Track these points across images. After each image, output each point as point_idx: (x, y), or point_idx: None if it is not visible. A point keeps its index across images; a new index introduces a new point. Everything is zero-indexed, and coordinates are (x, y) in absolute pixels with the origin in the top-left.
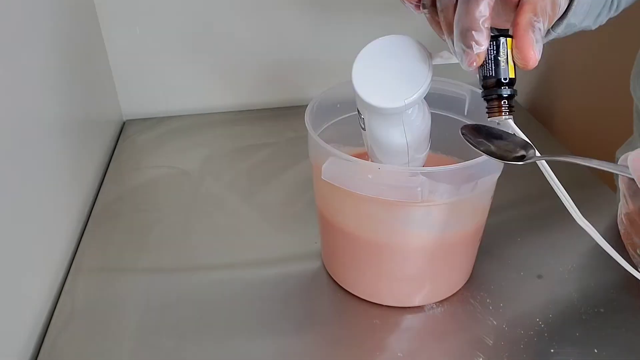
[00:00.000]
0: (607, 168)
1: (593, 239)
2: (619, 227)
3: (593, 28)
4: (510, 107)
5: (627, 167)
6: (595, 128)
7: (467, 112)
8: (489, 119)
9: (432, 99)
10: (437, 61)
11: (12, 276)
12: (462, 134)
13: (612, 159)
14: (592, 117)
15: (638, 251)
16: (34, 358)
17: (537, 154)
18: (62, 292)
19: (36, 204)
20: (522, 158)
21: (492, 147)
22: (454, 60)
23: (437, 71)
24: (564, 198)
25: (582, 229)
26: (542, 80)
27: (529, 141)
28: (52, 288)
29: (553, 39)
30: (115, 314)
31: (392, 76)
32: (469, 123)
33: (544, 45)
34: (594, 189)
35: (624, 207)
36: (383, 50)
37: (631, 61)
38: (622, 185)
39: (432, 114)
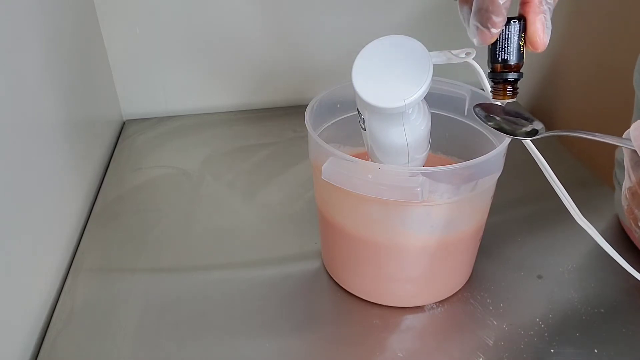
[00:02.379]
0: (610, 141)
1: (593, 239)
2: (623, 204)
3: None
4: (514, 90)
5: (630, 139)
6: (596, 128)
7: (467, 112)
8: (493, 99)
9: (432, 99)
10: (437, 61)
11: (12, 276)
12: (474, 111)
13: (613, 159)
14: (593, 118)
15: None
16: (34, 358)
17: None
18: (62, 292)
19: (36, 204)
20: (533, 133)
21: (502, 123)
22: (454, 60)
23: (437, 71)
24: (564, 198)
25: (582, 229)
26: (544, 81)
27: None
28: (52, 288)
29: None
30: (115, 314)
31: (392, 76)
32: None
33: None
34: (594, 189)
35: (627, 181)
36: (383, 50)
37: (632, 62)
38: (625, 159)
39: (432, 114)
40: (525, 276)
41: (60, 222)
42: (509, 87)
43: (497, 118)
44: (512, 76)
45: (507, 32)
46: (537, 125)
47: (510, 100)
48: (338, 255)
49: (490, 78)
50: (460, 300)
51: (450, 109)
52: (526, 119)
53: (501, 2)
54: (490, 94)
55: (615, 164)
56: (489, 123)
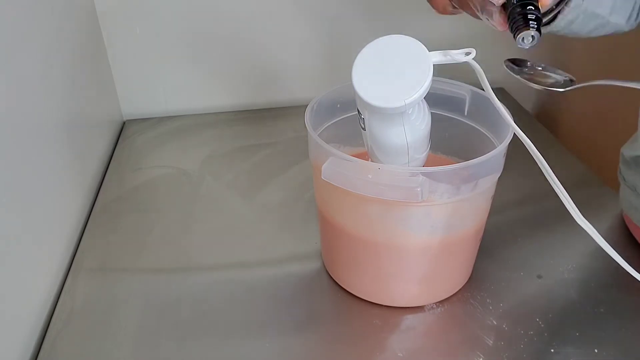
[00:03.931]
0: None
1: (593, 239)
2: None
3: (626, 29)
4: (538, 21)
5: None
6: (599, 132)
7: (467, 112)
8: (516, 36)
9: (432, 99)
10: (437, 61)
11: (12, 276)
12: (505, 65)
13: (614, 159)
14: (596, 121)
15: None
16: (34, 358)
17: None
18: (62, 292)
19: (36, 204)
20: (568, 84)
21: (535, 75)
22: (454, 60)
23: (437, 71)
24: (564, 198)
25: (582, 229)
26: None
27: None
28: (52, 288)
29: (586, 37)
30: (115, 314)
31: (392, 76)
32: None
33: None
34: (594, 189)
35: None
36: (383, 50)
37: (635, 64)
38: None
39: (432, 114)
40: (525, 276)
41: (60, 222)
42: (531, 16)
43: (529, 70)
44: (533, 14)
45: None
46: (571, 76)
47: (532, 42)
48: (338, 255)
49: (509, 16)
50: (460, 300)
51: (450, 109)
52: (555, 73)
53: None
54: (512, 33)
55: (621, 161)
56: (519, 76)
